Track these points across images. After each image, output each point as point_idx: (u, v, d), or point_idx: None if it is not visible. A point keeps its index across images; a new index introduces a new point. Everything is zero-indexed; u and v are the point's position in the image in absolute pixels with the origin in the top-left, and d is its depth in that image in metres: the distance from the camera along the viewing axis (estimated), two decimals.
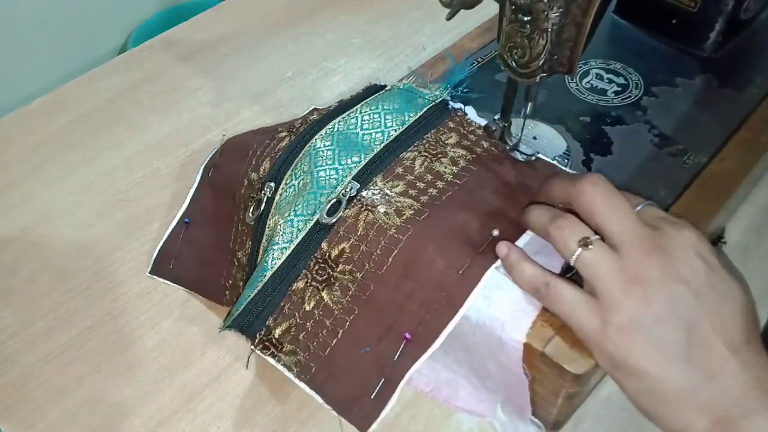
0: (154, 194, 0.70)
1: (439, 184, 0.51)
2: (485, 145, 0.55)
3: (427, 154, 0.54)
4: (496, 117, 0.52)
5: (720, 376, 0.38)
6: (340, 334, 0.48)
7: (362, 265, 0.48)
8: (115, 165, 0.74)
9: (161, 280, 0.61)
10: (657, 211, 0.43)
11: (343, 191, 0.51)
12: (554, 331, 0.44)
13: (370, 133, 0.55)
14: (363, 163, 0.53)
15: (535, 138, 0.56)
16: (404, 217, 0.48)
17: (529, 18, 0.43)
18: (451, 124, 0.57)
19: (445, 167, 0.53)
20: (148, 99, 0.82)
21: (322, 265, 0.49)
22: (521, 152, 0.53)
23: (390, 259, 0.47)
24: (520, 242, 0.46)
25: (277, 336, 0.49)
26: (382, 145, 0.54)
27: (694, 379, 0.38)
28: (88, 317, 0.60)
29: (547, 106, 0.59)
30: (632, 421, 0.50)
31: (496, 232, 0.46)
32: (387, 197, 0.50)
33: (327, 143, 0.54)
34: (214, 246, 0.60)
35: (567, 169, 0.53)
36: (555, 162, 0.53)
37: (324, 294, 0.49)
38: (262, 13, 0.95)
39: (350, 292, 0.48)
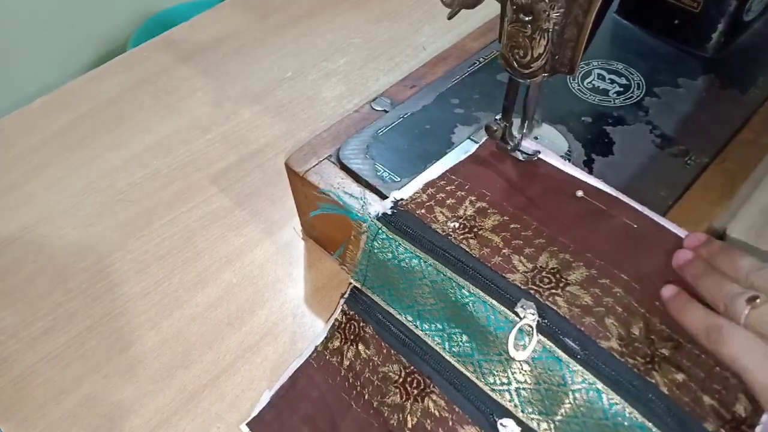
0: (154, 195, 0.70)
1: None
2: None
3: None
4: (497, 117, 0.52)
5: None
6: None
7: None
8: (115, 165, 0.74)
9: None
10: None
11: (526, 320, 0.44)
12: None
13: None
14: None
15: (536, 138, 0.56)
16: None
17: (530, 18, 0.43)
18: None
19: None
20: (149, 99, 0.82)
21: None
22: (522, 152, 0.53)
23: None
24: None
25: None
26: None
27: None
28: (88, 317, 0.60)
29: (549, 107, 0.59)
30: None
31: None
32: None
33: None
34: None
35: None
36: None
37: None
38: (262, 13, 0.95)
39: None
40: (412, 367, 0.50)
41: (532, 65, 0.45)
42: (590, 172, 0.55)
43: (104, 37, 1.51)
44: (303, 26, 0.92)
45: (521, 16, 0.43)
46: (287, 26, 0.92)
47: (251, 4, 0.97)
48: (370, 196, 0.54)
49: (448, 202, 0.51)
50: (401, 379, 0.50)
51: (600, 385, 0.41)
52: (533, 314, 0.43)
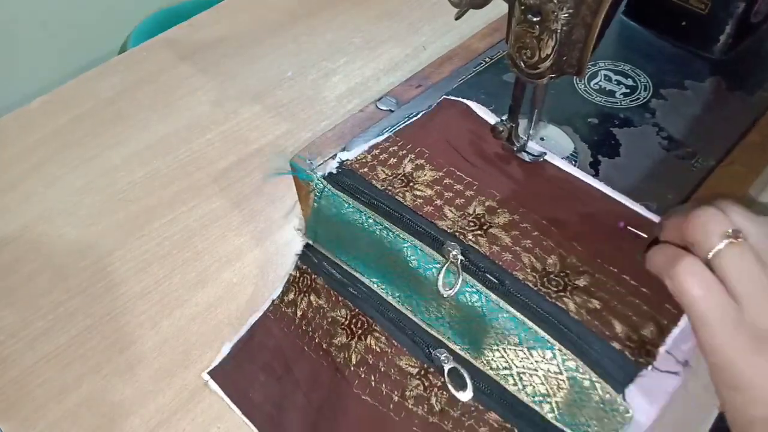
0: (154, 194, 0.70)
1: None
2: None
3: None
4: (504, 118, 0.52)
5: None
6: None
7: None
8: (114, 164, 0.73)
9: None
10: None
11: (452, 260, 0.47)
12: None
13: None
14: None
15: (542, 139, 0.55)
16: None
17: (538, 18, 0.42)
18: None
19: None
20: (148, 99, 0.81)
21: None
22: (528, 153, 0.53)
23: None
24: None
25: None
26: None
27: None
28: (88, 317, 0.59)
29: (555, 107, 0.58)
30: None
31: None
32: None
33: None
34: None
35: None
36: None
37: None
38: (262, 13, 0.94)
39: None
40: (357, 310, 0.54)
41: (539, 66, 0.45)
42: (596, 173, 0.54)
43: (104, 37, 1.50)
44: (303, 26, 0.91)
45: (529, 16, 0.42)
46: (287, 26, 0.92)
47: (251, 3, 0.96)
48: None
49: (390, 161, 0.54)
50: (347, 321, 0.54)
51: (515, 313, 0.44)
52: (457, 254, 0.46)
